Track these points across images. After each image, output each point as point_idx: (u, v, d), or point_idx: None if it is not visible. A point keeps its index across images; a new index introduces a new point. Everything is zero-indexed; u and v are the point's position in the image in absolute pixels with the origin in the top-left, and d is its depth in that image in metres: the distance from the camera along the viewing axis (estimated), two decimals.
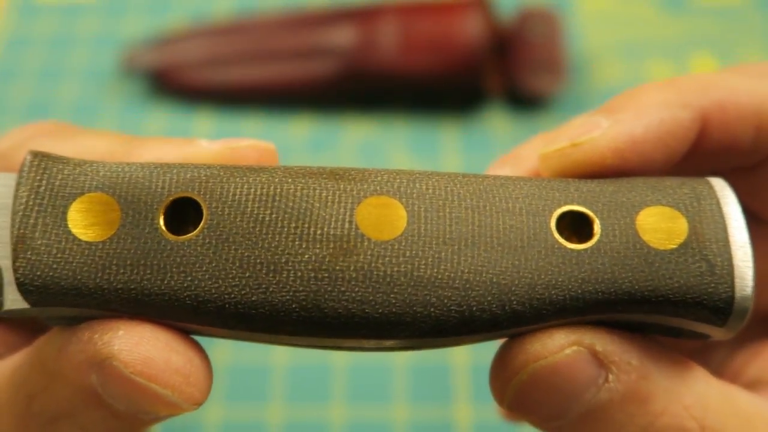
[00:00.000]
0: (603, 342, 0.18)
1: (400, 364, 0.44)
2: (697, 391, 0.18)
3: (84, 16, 0.62)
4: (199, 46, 0.56)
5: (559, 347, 0.18)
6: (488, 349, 0.20)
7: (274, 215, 0.17)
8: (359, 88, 0.54)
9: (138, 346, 0.17)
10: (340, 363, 0.44)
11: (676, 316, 0.18)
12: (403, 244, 0.17)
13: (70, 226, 0.17)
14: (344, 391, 0.43)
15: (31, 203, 0.17)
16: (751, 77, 0.20)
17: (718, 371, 0.23)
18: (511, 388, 0.18)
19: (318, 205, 0.17)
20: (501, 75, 0.55)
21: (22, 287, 0.17)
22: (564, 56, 0.54)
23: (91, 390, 0.17)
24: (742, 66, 0.21)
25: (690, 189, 0.18)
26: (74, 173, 0.18)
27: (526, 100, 0.54)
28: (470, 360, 0.44)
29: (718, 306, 0.17)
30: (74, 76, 0.58)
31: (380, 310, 0.17)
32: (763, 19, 0.60)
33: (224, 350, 0.44)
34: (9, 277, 0.17)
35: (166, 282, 0.17)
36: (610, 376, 0.18)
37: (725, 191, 0.18)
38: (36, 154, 0.18)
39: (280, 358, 0.44)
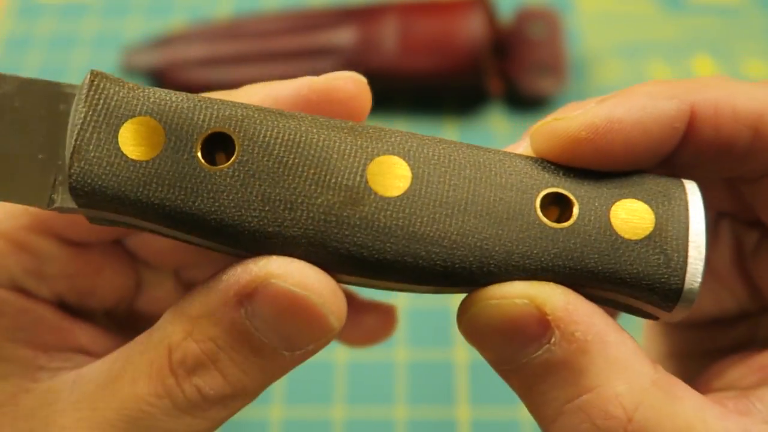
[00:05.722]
0: (554, 306, 0.19)
1: (401, 363, 0.44)
2: (636, 383, 0.18)
3: (84, 15, 0.62)
4: (199, 46, 0.56)
5: (513, 294, 0.19)
6: None
7: (296, 160, 0.19)
8: None
9: (292, 264, 0.19)
10: (341, 362, 0.44)
11: (631, 296, 0.20)
12: (404, 202, 0.19)
13: (120, 143, 0.19)
14: (344, 391, 0.43)
15: (88, 119, 0.20)
16: (751, 85, 0.21)
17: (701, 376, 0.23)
18: (465, 319, 0.20)
19: (336, 156, 0.20)
20: (501, 75, 0.55)
21: (74, 191, 0.19)
22: (564, 56, 0.54)
23: (239, 325, 0.19)
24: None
25: (664, 188, 0.20)
26: (128, 96, 0.20)
27: (526, 101, 0.54)
28: (470, 359, 0.44)
29: (668, 294, 0.19)
30: (74, 76, 0.58)
31: (376, 256, 0.19)
32: (763, 19, 0.60)
33: None
34: (63, 178, 0.20)
35: (196, 204, 0.19)
36: (553, 339, 0.19)
37: (695, 195, 0.20)
38: (96, 74, 0.20)
39: None
